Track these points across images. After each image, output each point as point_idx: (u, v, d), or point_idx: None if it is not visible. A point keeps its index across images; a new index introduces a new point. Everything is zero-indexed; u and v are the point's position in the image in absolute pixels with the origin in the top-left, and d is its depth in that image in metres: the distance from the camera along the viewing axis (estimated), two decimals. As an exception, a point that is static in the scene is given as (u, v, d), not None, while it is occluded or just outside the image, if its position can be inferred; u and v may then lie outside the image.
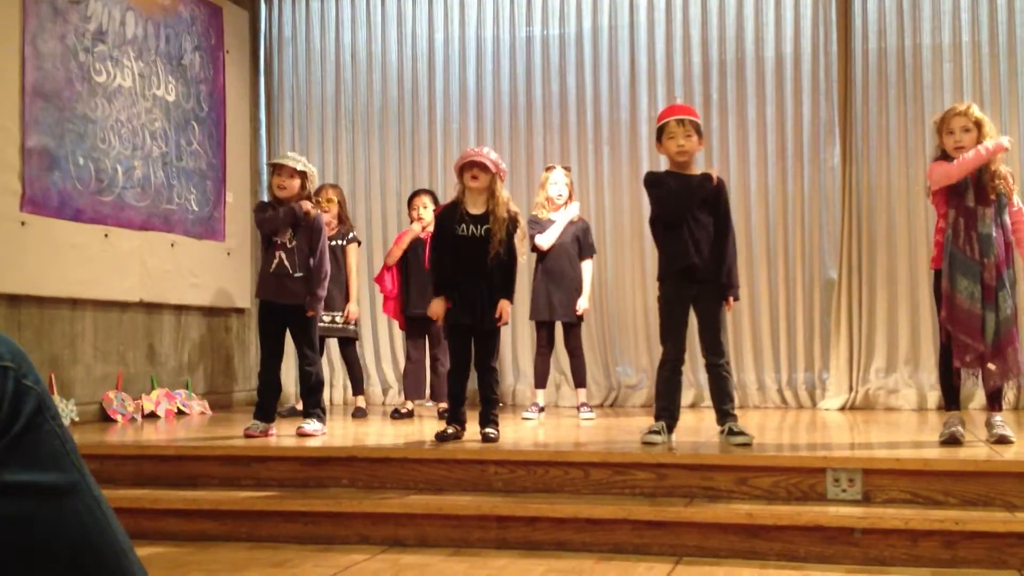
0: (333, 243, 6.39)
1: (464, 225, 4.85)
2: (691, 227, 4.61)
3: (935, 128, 4.60)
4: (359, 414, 6.60)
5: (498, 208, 4.81)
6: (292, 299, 5.23)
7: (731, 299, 4.69)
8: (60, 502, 1.06)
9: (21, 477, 1.03)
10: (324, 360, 6.88)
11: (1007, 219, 4.43)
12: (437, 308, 4.89)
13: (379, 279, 6.87)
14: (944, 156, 4.52)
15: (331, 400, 7.69)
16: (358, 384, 6.86)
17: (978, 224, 4.35)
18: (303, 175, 5.28)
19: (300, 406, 6.54)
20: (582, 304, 6.32)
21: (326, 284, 5.39)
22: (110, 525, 1.10)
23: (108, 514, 1.11)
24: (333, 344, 7.37)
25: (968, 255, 4.34)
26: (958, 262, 4.36)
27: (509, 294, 4.93)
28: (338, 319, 6.56)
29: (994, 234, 4.35)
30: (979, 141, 4.40)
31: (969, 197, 4.38)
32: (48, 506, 1.05)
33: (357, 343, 6.98)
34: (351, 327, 6.70)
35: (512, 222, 4.89)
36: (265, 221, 5.28)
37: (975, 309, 4.32)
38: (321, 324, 6.49)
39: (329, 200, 6.45)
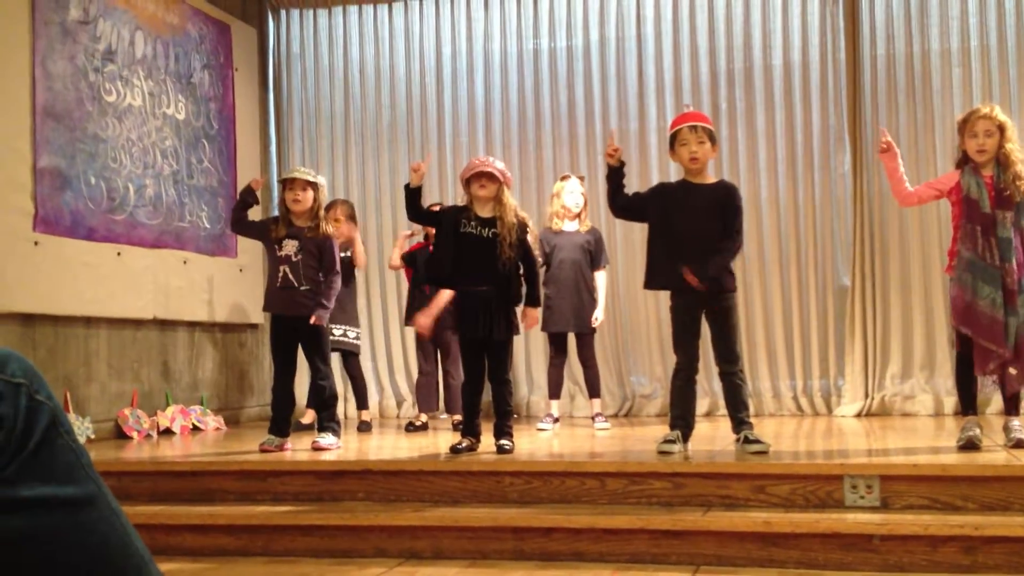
0: (341, 254, 6.40)
1: (471, 223, 4.84)
2: (679, 241, 4.58)
3: (957, 128, 4.57)
4: (364, 428, 6.60)
5: (506, 214, 4.81)
6: (301, 311, 5.24)
7: (696, 278, 4.50)
8: (78, 515, 1.06)
9: (38, 492, 1.03)
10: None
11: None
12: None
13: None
14: (965, 157, 4.50)
15: (345, 414, 7.69)
16: (362, 398, 6.86)
17: (997, 229, 4.31)
18: (315, 187, 5.31)
19: (305, 420, 6.57)
20: (598, 316, 6.31)
21: (333, 299, 5.41)
22: (129, 536, 1.10)
23: (126, 524, 1.11)
24: (337, 358, 7.38)
25: (988, 261, 4.30)
26: (978, 269, 4.31)
27: (535, 300, 4.96)
28: (343, 332, 6.55)
29: (1013, 238, 4.32)
30: (1001, 145, 4.39)
31: (984, 203, 4.35)
32: (66, 519, 1.05)
33: (363, 355, 6.99)
34: (353, 340, 6.71)
35: (522, 228, 4.88)
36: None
37: (998, 315, 4.27)
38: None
39: (336, 220, 6.43)
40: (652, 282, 4.75)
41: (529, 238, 4.95)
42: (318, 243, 5.29)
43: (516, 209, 4.92)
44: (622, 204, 4.80)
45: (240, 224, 5.50)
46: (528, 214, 5.79)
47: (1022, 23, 6.78)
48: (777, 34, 7.23)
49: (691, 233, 4.58)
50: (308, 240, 5.26)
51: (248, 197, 5.42)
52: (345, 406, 7.66)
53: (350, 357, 6.80)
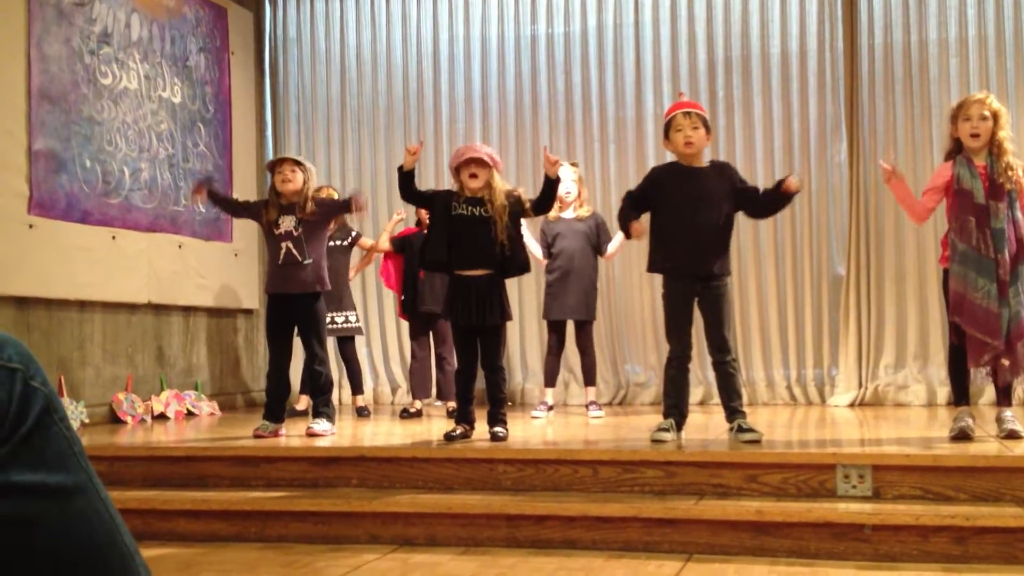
0: (333, 243, 6.41)
1: (465, 206, 4.80)
2: (686, 227, 4.59)
3: (950, 116, 4.56)
4: (363, 413, 6.61)
5: (495, 197, 4.77)
6: (302, 288, 5.23)
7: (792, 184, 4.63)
8: (67, 503, 1.06)
9: (28, 478, 1.03)
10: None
11: (1019, 214, 4.39)
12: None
13: (383, 272, 6.92)
14: (956, 147, 4.49)
15: (340, 400, 7.69)
16: (357, 384, 6.87)
17: (991, 220, 4.31)
18: (304, 169, 5.30)
19: (300, 407, 6.58)
20: (611, 246, 6.29)
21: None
22: (117, 527, 1.10)
23: (115, 516, 1.11)
24: (332, 342, 7.38)
25: (983, 252, 4.29)
26: (972, 260, 4.30)
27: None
28: (338, 319, 6.60)
29: (1007, 229, 4.32)
30: (994, 132, 4.38)
31: (978, 194, 4.35)
32: (55, 507, 1.05)
33: (358, 342, 7.01)
34: (355, 324, 6.73)
35: (514, 203, 4.83)
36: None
37: (992, 307, 4.26)
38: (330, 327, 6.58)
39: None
40: (653, 266, 4.77)
41: (522, 196, 4.91)
42: (314, 218, 5.28)
43: (506, 190, 4.87)
44: (638, 217, 4.83)
45: (229, 207, 5.62)
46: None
47: (1019, 13, 6.77)
48: (775, 22, 7.22)
49: (697, 219, 4.58)
50: (303, 217, 5.24)
51: (213, 201, 5.53)
52: (339, 392, 7.66)
53: (347, 341, 6.81)
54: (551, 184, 4.85)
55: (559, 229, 6.33)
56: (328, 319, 6.54)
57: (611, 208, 7.32)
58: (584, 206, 6.42)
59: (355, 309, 6.87)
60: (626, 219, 4.72)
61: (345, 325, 6.68)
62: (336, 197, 6.62)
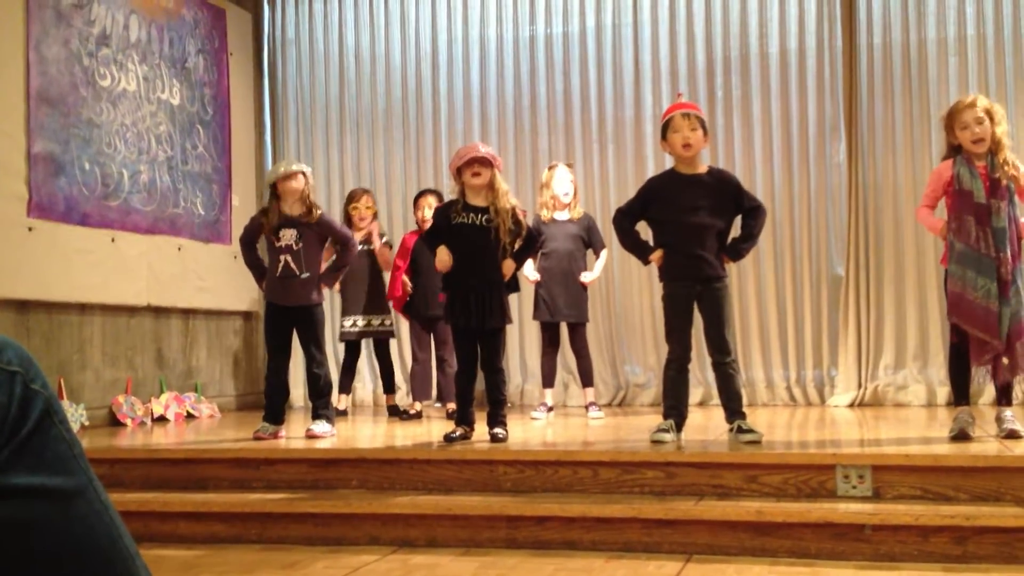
0: (361, 247, 6.43)
1: (464, 214, 4.80)
2: (686, 234, 4.59)
3: (943, 124, 4.56)
4: (394, 412, 6.59)
5: (499, 200, 4.79)
6: (298, 301, 5.24)
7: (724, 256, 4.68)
8: (67, 506, 1.06)
9: (28, 480, 1.03)
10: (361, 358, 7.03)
11: (1018, 212, 4.40)
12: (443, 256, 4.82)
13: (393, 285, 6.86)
14: (954, 151, 4.49)
15: (374, 400, 7.70)
16: (390, 383, 6.86)
17: (992, 218, 4.30)
18: (303, 172, 5.33)
19: (341, 406, 6.61)
20: (586, 276, 6.31)
21: (342, 274, 5.65)
22: (117, 530, 1.10)
23: (115, 519, 1.11)
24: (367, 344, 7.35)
25: (984, 251, 4.29)
26: (971, 259, 4.30)
27: (520, 258, 4.95)
28: (374, 322, 6.62)
29: (1007, 228, 4.32)
30: (993, 131, 4.37)
31: (979, 194, 4.34)
32: (55, 510, 1.05)
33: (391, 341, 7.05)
34: (388, 326, 6.72)
35: (516, 223, 4.85)
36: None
37: (992, 306, 4.26)
38: (357, 328, 6.57)
39: (368, 208, 6.70)
40: (661, 273, 4.79)
41: (521, 219, 4.93)
42: (318, 227, 5.29)
43: (508, 194, 4.89)
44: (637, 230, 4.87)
45: (249, 258, 5.52)
46: (522, 201, 5.78)
47: (1018, 12, 6.77)
48: (774, 22, 7.22)
49: (696, 225, 4.57)
50: (306, 227, 5.25)
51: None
52: (365, 392, 7.66)
53: (381, 342, 6.84)
54: (518, 257, 4.94)
55: (549, 231, 6.33)
56: (351, 322, 6.59)
57: (610, 208, 7.31)
58: (577, 207, 6.43)
59: (388, 311, 6.82)
60: (641, 248, 4.78)
61: (380, 328, 6.71)
62: (375, 210, 6.77)
